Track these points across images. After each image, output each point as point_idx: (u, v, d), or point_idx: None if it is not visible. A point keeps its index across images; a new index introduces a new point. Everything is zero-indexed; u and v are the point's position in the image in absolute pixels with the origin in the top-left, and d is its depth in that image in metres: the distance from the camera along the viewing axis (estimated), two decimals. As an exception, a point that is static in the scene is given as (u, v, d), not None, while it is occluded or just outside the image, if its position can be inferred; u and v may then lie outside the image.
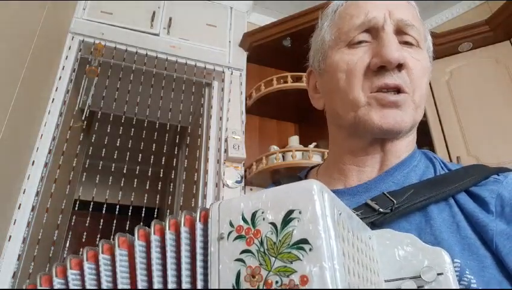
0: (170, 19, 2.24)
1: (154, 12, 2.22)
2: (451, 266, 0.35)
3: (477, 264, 0.42)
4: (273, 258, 0.28)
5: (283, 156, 2.00)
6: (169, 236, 0.35)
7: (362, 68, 0.53)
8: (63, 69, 1.93)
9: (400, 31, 0.54)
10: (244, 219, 0.31)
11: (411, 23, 0.54)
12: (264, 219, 0.30)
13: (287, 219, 0.29)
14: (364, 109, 0.52)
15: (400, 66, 0.51)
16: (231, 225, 0.31)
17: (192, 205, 2.09)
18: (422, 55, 0.56)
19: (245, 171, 2.07)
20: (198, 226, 0.34)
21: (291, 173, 1.89)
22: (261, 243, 0.29)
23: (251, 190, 2.08)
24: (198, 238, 0.33)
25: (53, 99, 1.85)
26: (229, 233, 0.31)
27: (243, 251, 0.30)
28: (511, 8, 1.96)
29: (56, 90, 1.88)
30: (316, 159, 1.93)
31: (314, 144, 2.08)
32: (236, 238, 0.30)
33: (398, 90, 0.52)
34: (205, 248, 0.33)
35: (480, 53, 2.13)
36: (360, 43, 0.55)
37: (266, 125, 2.35)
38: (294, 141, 2.16)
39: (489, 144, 1.93)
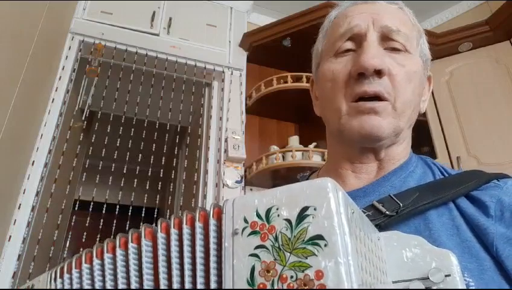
0: (170, 19, 2.24)
1: (154, 12, 2.22)
2: (459, 267, 0.36)
3: (477, 267, 0.43)
4: (288, 254, 0.29)
5: (283, 156, 2.00)
6: (186, 231, 0.36)
7: (344, 76, 0.54)
8: (63, 69, 1.93)
9: (385, 38, 0.55)
10: (258, 215, 0.31)
11: (396, 29, 0.55)
12: (278, 215, 0.31)
13: (302, 216, 0.30)
14: (344, 117, 0.54)
15: (379, 73, 0.52)
16: (245, 220, 0.32)
17: (192, 205, 2.09)
18: (410, 60, 0.55)
19: (245, 171, 2.07)
20: (212, 222, 0.34)
21: (291, 175, 1.88)
22: (276, 238, 0.30)
23: (251, 190, 2.08)
24: (212, 233, 0.34)
25: (53, 99, 1.85)
26: (244, 229, 0.32)
27: (257, 246, 0.30)
28: (511, 8, 1.96)
29: (56, 90, 1.88)
30: (316, 159, 1.93)
31: (314, 144, 2.08)
32: (250, 234, 0.31)
33: (377, 97, 0.52)
34: (218, 243, 0.34)
35: (480, 53, 2.14)
36: (346, 52, 0.56)
37: (266, 125, 2.36)
38: (294, 141, 2.16)
39: (489, 144, 1.93)
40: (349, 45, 0.56)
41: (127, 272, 0.37)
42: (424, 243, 0.38)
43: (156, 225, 0.38)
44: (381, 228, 0.45)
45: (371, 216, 0.46)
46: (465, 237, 0.45)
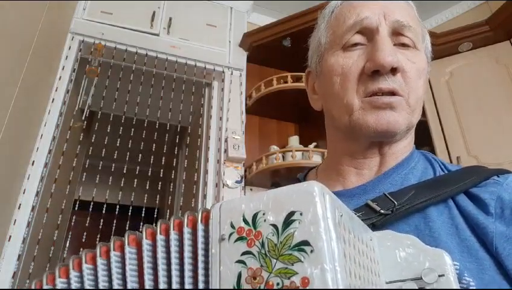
0: (170, 19, 2.24)
1: (154, 12, 2.22)
2: (453, 267, 0.35)
3: (477, 267, 0.42)
4: (274, 260, 0.28)
5: (283, 156, 2.00)
6: (173, 236, 0.35)
7: (357, 72, 0.53)
8: (63, 69, 1.93)
9: (396, 33, 0.54)
10: (245, 221, 0.31)
11: (408, 24, 0.54)
12: (265, 221, 0.30)
13: (288, 221, 0.29)
14: (358, 113, 0.52)
15: (394, 70, 0.51)
16: (232, 226, 0.31)
17: (192, 205, 2.09)
18: (419, 56, 0.55)
19: (245, 171, 2.07)
20: (200, 227, 0.34)
21: (291, 175, 1.89)
22: (262, 244, 0.29)
23: (251, 190, 2.08)
24: (200, 239, 0.33)
25: (53, 99, 1.85)
26: (230, 234, 0.31)
27: (244, 253, 0.30)
28: (511, 8, 1.96)
29: (56, 90, 1.88)
30: (316, 159, 1.93)
31: (314, 144, 2.08)
32: (237, 240, 0.31)
33: (392, 94, 0.51)
34: (206, 249, 0.33)
35: (480, 53, 2.14)
36: (355, 46, 0.54)
37: (266, 125, 2.35)
38: (294, 141, 2.16)
39: (489, 144, 1.93)
40: (358, 38, 0.54)
41: (110, 281, 0.36)
42: (417, 243, 0.38)
43: (151, 228, 0.37)
44: (376, 227, 0.45)
45: (364, 215, 0.45)
46: (464, 236, 0.45)
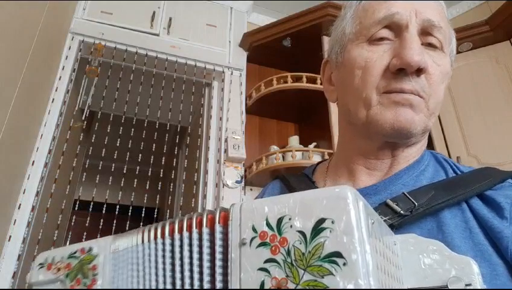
0: (170, 19, 2.24)
1: (154, 12, 2.22)
2: (480, 276, 0.33)
3: (490, 272, 0.41)
4: (302, 271, 0.26)
5: (283, 156, 2.00)
6: (195, 235, 0.33)
7: (380, 68, 0.51)
8: (63, 69, 1.93)
9: (425, 32, 0.51)
10: (268, 225, 0.29)
11: (438, 25, 0.51)
12: (291, 226, 0.28)
13: (318, 228, 0.27)
14: (376, 108, 0.50)
15: (419, 71, 0.49)
16: (254, 230, 0.29)
17: (192, 205, 2.09)
18: (444, 60, 0.53)
19: (245, 171, 2.07)
20: (218, 228, 0.32)
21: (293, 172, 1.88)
22: (288, 252, 0.27)
23: (251, 190, 2.08)
24: (218, 242, 0.31)
25: (53, 99, 1.85)
26: (252, 239, 0.29)
27: (268, 260, 0.28)
28: (511, 8, 1.96)
29: (56, 90, 1.88)
30: (316, 159, 1.93)
31: (314, 144, 2.08)
32: (259, 245, 0.28)
33: (413, 94, 0.49)
34: (224, 252, 0.31)
35: (480, 53, 2.13)
36: (381, 40, 0.52)
37: (266, 125, 2.35)
38: (294, 141, 2.16)
39: (489, 144, 1.93)
40: (385, 33, 0.52)
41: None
42: (443, 249, 0.36)
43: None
44: (394, 227, 0.43)
45: (384, 216, 0.44)
46: (478, 240, 0.44)
